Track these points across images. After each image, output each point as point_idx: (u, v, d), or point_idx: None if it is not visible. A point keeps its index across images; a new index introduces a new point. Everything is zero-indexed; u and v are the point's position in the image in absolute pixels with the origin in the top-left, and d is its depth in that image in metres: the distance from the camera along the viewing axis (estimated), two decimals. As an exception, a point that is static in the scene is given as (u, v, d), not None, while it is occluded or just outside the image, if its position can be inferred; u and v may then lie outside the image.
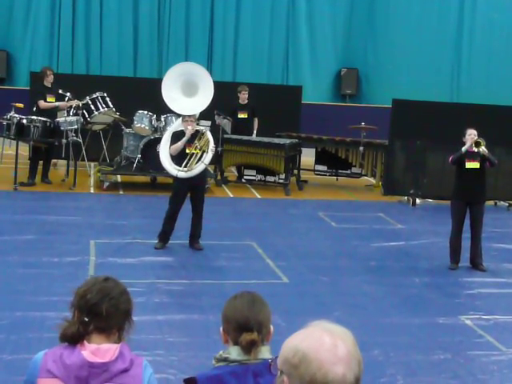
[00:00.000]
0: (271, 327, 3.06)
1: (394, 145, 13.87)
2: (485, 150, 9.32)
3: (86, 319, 2.87)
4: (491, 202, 13.21)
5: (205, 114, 11.45)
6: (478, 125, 9.74)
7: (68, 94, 13.73)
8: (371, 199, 13.88)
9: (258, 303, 3.05)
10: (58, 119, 12.82)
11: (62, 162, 14.13)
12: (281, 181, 14.13)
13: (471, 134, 9.37)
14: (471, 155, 9.37)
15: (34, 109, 13.17)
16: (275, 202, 13.17)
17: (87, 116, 13.83)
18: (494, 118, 13.35)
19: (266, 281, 8.45)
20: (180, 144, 9.51)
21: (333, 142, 14.90)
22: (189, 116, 9.66)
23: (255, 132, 14.68)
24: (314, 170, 15.29)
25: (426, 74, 19.03)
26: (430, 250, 10.34)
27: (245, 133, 14.48)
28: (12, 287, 7.77)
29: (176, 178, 9.66)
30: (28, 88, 15.30)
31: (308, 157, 15.13)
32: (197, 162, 9.53)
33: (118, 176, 14.16)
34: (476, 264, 9.45)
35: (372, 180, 15.15)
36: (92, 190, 13.28)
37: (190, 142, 9.57)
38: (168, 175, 10.99)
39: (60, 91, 13.61)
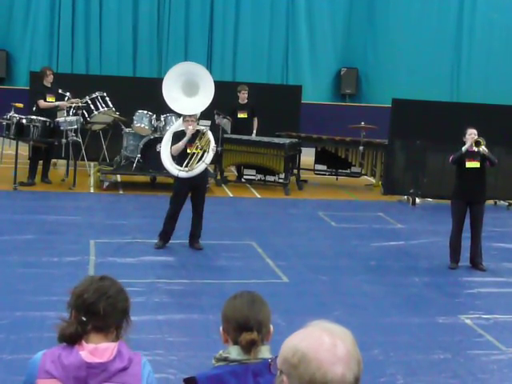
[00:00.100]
0: (271, 327, 3.06)
1: (393, 144, 13.87)
2: (485, 149, 9.32)
3: (84, 319, 2.86)
4: (491, 202, 13.20)
5: (204, 114, 11.44)
6: (477, 124, 9.74)
7: (68, 93, 13.74)
8: (371, 199, 13.88)
9: (258, 303, 3.05)
10: (57, 119, 12.83)
11: (62, 162, 14.14)
12: (280, 180, 14.13)
13: (471, 134, 9.36)
14: (471, 155, 9.36)
15: (34, 108, 13.17)
16: (275, 202, 13.17)
17: (87, 116, 13.83)
18: (494, 118, 13.34)
19: (266, 280, 8.45)
20: (181, 144, 9.52)
21: (332, 141, 14.90)
22: (189, 116, 9.66)
23: (255, 132, 14.67)
24: (314, 170, 15.29)
25: (426, 73, 19.03)
26: (429, 249, 10.34)
27: (244, 132, 14.47)
28: (12, 287, 7.77)
29: (177, 178, 9.67)
30: (28, 88, 15.29)
31: (308, 156, 15.13)
32: (198, 162, 9.54)
33: (118, 176, 14.16)
34: (476, 263, 9.45)
35: (372, 179, 15.15)
36: (92, 190, 13.28)
37: (191, 141, 9.58)
38: (168, 175, 11.01)
39: (60, 91, 13.62)
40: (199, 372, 3.07)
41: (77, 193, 12.74)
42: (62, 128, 12.61)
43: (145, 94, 14.12)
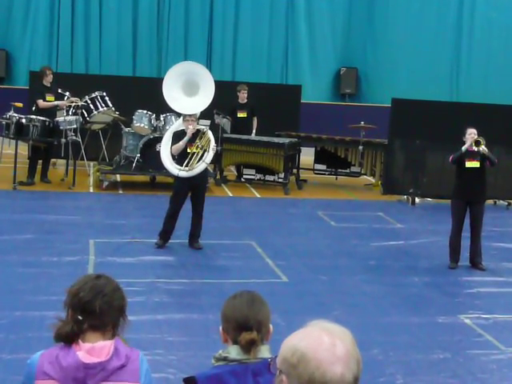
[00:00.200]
0: (270, 326, 3.05)
1: (393, 144, 13.87)
2: (485, 149, 9.32)
3: (80, 317, 2.85)
4: (490, 201, 13.20)
5: (204, 114, 11.45)
6: (477, 124, 9.74)
7: (67, 93, 13.73)
8: (371, 198, 13.88)
9: (258, 302, 3.05)
10: (57, 118, 12.83)
11: (62, 162, 14.14)
12: (280, 180, 14.13)
13: (471, 133, 9.36)
14: (471, 154, 9.36)
15: (34, 108, 13.17)
16: (274, 202, 13.17)
17: (86, 115, 13.83)
18: (494, 118, 13.34)
19: (266, 280, 8.45)
20: (181, 144, 9.53)
21: (332, 141, 14.90)
22: (190, 115, 9.67)
23: (254, 131, 14.67)
24: (314, 169, 15.28)
25: (426, 73, 19.01)
26: (429, 249, 10.34)
27: (244, 132, 14.47)
28: (11, 286, 7.77)
29: (177, 178, 9.67)
30: (27, 87, 15.29)
31: (307, 156, 15.12)
32: (198, 162, 9.54)
33: (118, 175, 14.16)
34: (475, 263, 9.45)
35: (371, 179, 15.15)
36: (91, 190, 13.28)
37: (191, 141, 9.59)
38: (167, 174, 11.00)
39: (59, 90, 13.62)
40: (199, 372, 3.07)
41: (76, 192, 12.74)
42: (61, 128, 12.61)
43: (144, 93, 14.12)
